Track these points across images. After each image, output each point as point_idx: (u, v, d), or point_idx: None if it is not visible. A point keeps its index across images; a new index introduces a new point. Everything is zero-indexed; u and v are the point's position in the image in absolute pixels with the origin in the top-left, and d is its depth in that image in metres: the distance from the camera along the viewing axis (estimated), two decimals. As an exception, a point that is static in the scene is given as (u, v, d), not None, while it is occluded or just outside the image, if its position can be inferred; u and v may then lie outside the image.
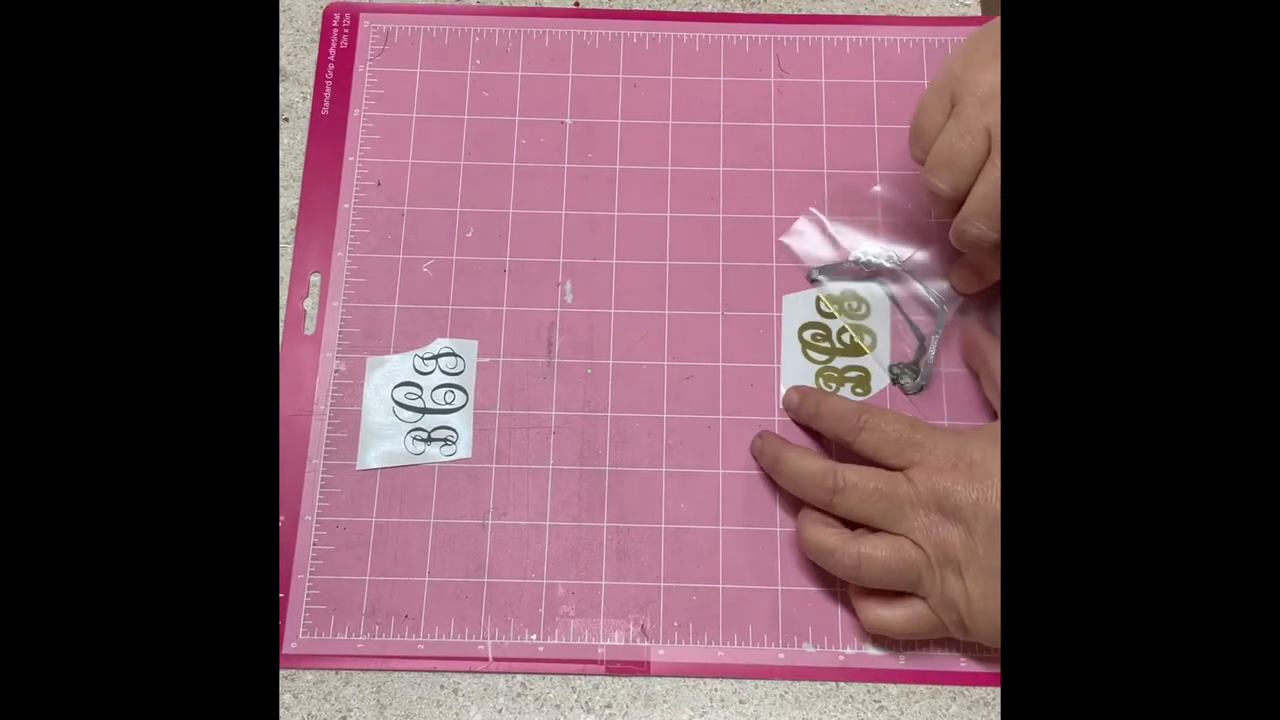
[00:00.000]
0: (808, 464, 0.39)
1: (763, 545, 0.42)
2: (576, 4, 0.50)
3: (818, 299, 0.45)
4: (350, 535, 0.41)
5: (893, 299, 0.45)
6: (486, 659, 0.40)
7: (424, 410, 0.43)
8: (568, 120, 0.48)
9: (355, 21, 0.49)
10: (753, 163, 0.47)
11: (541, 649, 0.40)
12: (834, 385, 0.44)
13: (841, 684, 0.40)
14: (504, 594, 0.41)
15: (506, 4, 0.50)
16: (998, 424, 0.39)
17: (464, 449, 0.43)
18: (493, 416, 0.43)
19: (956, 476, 0.37)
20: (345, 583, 0.41)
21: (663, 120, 0.48)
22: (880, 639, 0.40)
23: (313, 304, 0.45)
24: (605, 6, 0.50)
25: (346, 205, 0.46)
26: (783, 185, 0.47)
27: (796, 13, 0.50)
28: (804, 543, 0.39)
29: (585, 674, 0.40)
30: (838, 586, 0.41)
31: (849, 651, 0.40)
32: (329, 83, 0.48)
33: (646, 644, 0.40)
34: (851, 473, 0.38)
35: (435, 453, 0.43)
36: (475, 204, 0.47)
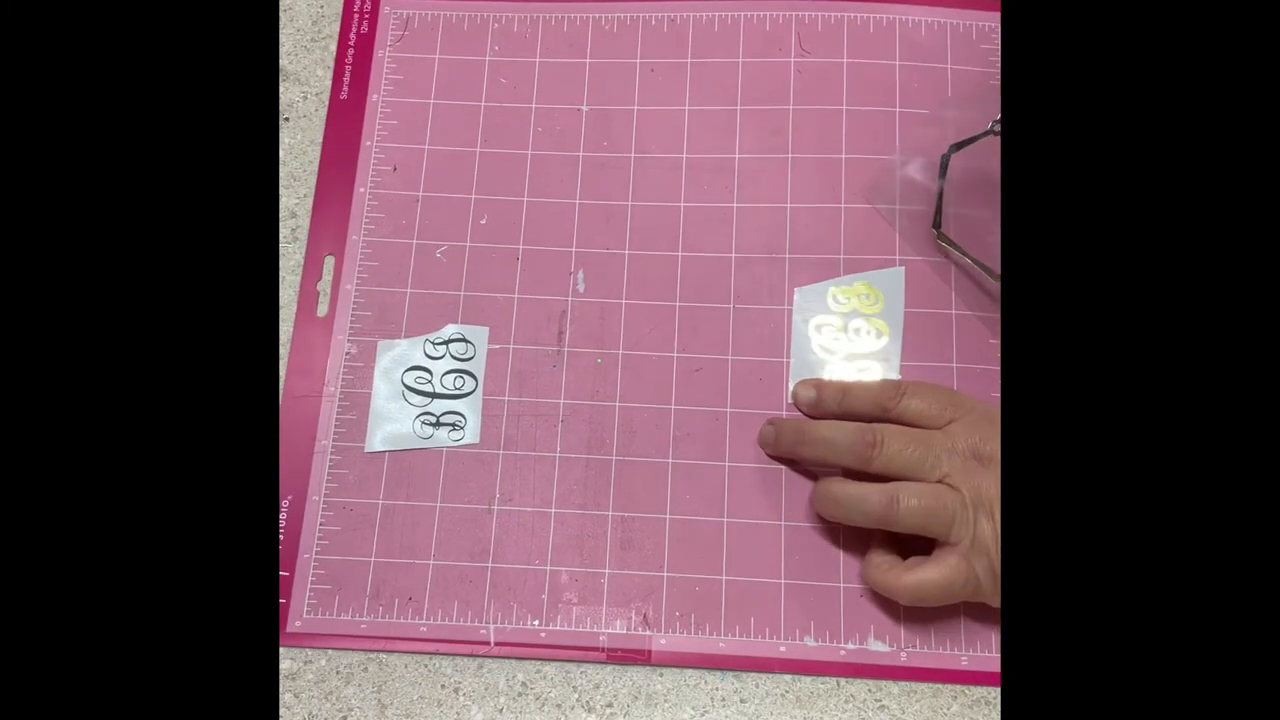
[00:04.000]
0: (841, 427, 0.40)
1: (766, 538, 0.41)
2: None
3: (831, 293, 0.44)
4: (356, 517, 0.42)
5: None
6: (488, 643, 0.40)
7: (433, 395, 0.44)
8: (584, 107, 0.48)
9: (376, 7, 0.50)
10: (769, 148, 0.47)
11: (543, 635, 0.40)
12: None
13: (843, 683, 0.39)
14: (508, 579, 0.41)
15: None
16: None
17: (472, 434, 0.43)
18: (501, 403, 0.43)
19: (993, 430, 0.38)
20: (350, 563, 0.41)
21: (679, 106, 0.47)
22: (883, 632, 0.40)
23: (326, 286, 0.45)
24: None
25: (362, 189, 0.47)
26: (799, 171, 0.46)
27: (819, -5, 0.49)
28: (831, 497, 0.39)
29: (586, 661, 0.40)
30: (841, 582, 0.41)
31: (850, 646, 0.40)
32: (348, 67, 0.49)
33: (648, 633, 0.40)
34: (887, 429, 0.39)
35: (443, 437, 0.43)
36: (490, 191, 0.47)
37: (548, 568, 0.41)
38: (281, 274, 0.45)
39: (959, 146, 0.44)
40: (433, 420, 0.43)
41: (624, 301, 0.45)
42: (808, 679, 0.39)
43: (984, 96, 0.46)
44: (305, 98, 0.48)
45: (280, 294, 0.45)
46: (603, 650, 0.40)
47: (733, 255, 0.45)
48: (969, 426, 0.38)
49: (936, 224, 0.43)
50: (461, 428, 0.43)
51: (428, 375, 0.44)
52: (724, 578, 0.41)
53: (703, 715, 0.39)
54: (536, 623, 0.40)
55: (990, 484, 0.37)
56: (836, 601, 0.40)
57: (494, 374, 0.44)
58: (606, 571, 0.41)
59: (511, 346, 0.44)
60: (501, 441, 0.43)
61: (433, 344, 0.44)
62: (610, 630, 0.40)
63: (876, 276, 0.44)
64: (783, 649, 0.40)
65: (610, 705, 0.39)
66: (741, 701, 0.39)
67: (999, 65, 0.47)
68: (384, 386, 0.44)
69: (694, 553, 0.41)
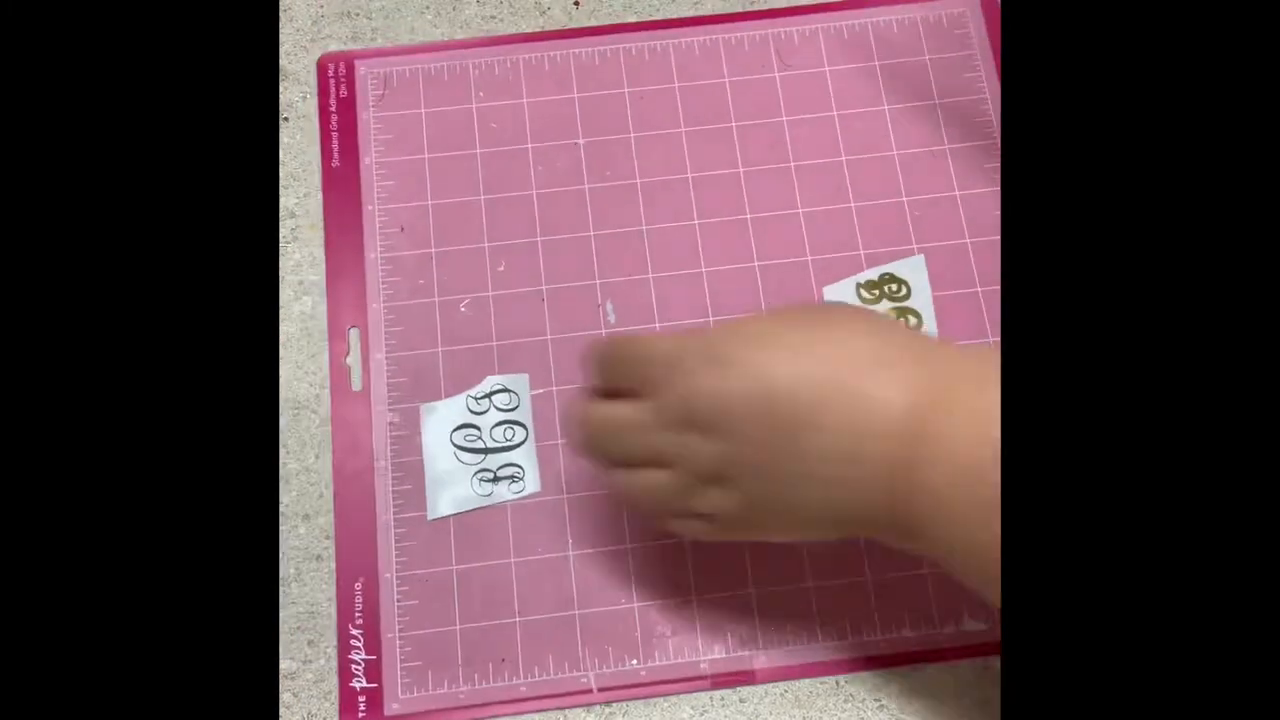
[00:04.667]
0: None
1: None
2: (577, 3, 0.50)
3: (857, 287, 0.45)
4: (433, 586, 0.41)
5: None
6: (591, 690, 0.39)
7: (486, 450, 0.43)
8: (580, 141, 0.48)
9: (351, 69, 0.49)
10: (770, 159, 0.47)
11: (644, 673, 0.40)
12: None
13: (842, 683, 0.39)
14: (598, 623, 0.40)
15: (500, 32, 0.50)
16: (751, 316, 0.37)
17: (532, 483, 0.42)
18: (554, 448, 0.43)
19: (699, 385, 0.33)
20: (436, 635, 0.40)
21: (675, 129, 0.48)
22: (976, 610, 0.40)
23: (355, 359, 0.44)
24: (602, 15, 0.50)
25: (373, 255, 0.46)
26: (803, 178, 0.47)
27: (792, 4, 0.50)
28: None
29: (692, 692, 0.39)
30: (927, 568, 0.41)
31: (949, 630, 0.40)
32: (335, 134, 0.48)
33: (747, 653, 0.40)
34: (584, 414, 0.36)
35: (504, 491, 0.42)
36: (502, 237, 0.46)
37: (635, 605, 0.41)
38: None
39: None
40: (490, 476, 0.42)
41: (657, 325, 0.45)
42: (805, 679, 0.39)
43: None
44: (305, 98, 0.48)
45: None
46: (707, 678, 0.39)
47: (755, 264, 0.45)
48: (669, 389, 0.34)
49: None
50: (521, 479, 0.42)
51: (476, 432, 0.43)
52: (810, 584, 0.41)
53: (702, 715, 0.39)
54: (635, 662, 0.40)
55: (709, 450, 0.33)
56: (925, 588, 0.41)
57: (542, 419, 0.43)
58: (694, 598, 0.41)
59: (555, 388, 0.44)
60: (562, 485, 0.42)
61: (475, 399, 0.43)
62: (710, 656, 0.40)
63: (898, 267, 0.45)
64: (883, 645, 0.40)
65: (609, 704, 0.39)
66: (741, 701, 0.39)
67: (973, 49, 0.49)
68: (435, 450, 0.43)
69: (774, 564, 0.41)
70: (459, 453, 0.43)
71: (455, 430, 0.43)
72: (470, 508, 0.42)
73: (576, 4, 0.50)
